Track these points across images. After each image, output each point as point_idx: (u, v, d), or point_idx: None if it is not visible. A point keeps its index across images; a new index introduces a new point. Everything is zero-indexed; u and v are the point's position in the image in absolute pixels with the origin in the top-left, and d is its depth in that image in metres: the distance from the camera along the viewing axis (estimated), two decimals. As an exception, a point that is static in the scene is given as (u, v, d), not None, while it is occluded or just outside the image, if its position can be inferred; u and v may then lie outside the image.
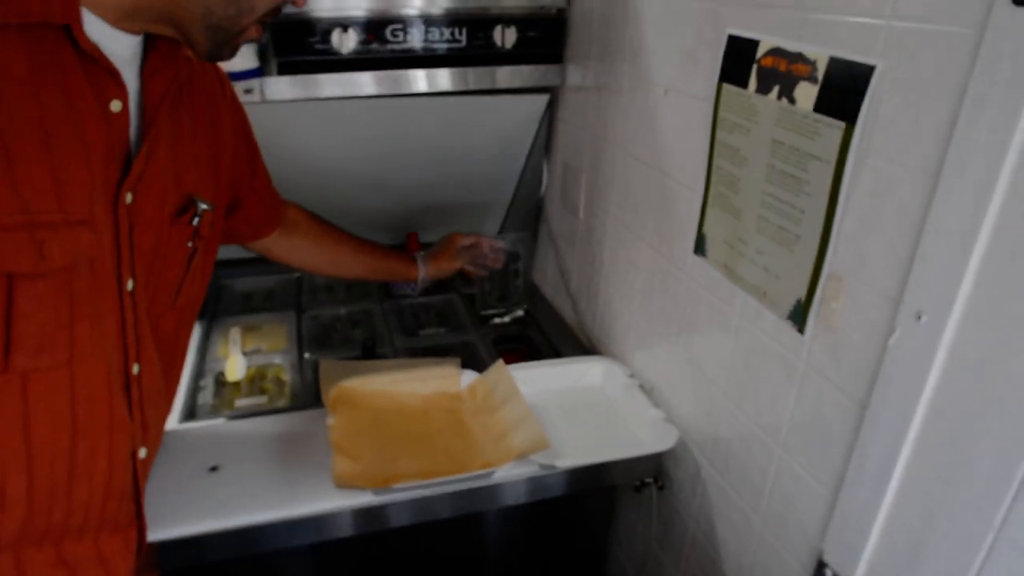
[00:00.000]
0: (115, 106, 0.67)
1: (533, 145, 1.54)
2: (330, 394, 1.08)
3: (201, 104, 0.84)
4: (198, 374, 1.29)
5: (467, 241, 1.29)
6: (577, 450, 1.06)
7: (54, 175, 0.63)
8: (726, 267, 0.95)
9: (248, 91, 1.20)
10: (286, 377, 1.30)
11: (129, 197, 0.71)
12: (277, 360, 1.35)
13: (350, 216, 1.62)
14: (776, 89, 0.81)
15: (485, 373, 1.17)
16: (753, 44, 0.84)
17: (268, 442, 1.06)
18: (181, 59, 0.77)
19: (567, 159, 1.43)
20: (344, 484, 0.90)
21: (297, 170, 1.46)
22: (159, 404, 0.84)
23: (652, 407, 1.14)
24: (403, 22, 1.23)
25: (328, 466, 0.96)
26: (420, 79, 1.29)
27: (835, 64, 0.72)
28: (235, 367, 1.29)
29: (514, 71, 1.33)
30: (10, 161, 0.60)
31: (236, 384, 1.28)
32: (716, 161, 0.94)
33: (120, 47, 0.67)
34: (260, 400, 1.24)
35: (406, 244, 1.63)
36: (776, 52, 0.80)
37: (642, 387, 1.19)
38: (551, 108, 1.45)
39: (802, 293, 0.81)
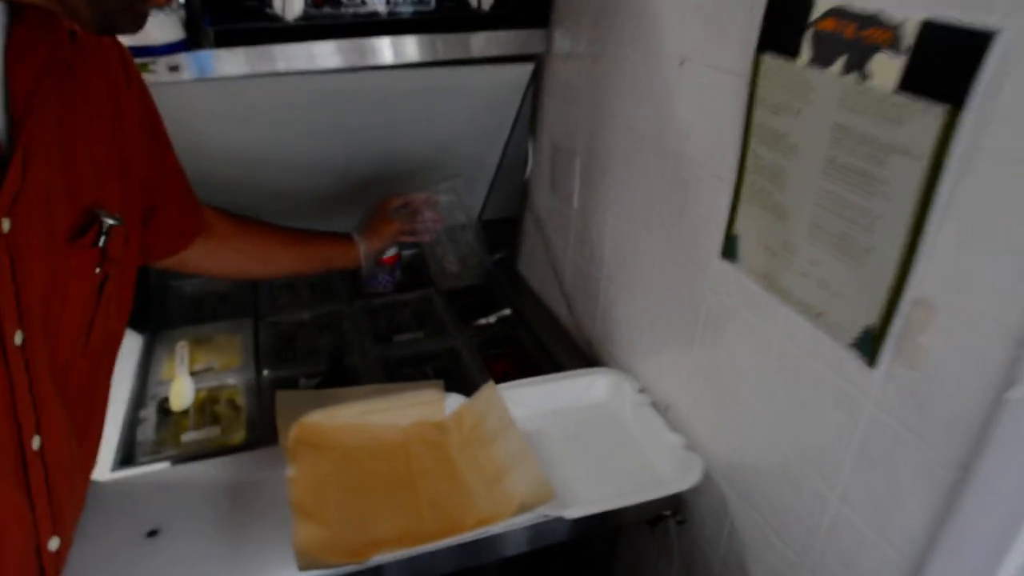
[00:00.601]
0: None
1: (516, 121, 1.35)
2: (289, 434, 0.91)
3: (96, 92, 0.65)
4: (138, 402, 1.11)
5: (398, 201, 1.19)
6: (587, 491, 0.91)
7: None
8: (765, 277, 0.79)
9: (173, 68, 1.00)
10: (241, 402, 1.12)
11: (6, 224, 0.53)
12: (231, 380, 1.17)
13: (305, 209, 1.44)
14: (841, 61, 0.63)
15: (473, 398, 1.00)
16: (806, 3, 0.66)
17: (220, 494, 0.89)
18: (61, 33, 0.58)
19: (556, 139, 1.25)
20: (309, 563, 0.73)
21: (236, 161, 1.27)
22: (74, 478, 0.67)
23: (669, 431, 0.98)
24: (360, -20, 1.02)
25: (289, 529, 0.79)
26: (381, 48, 1.09)
27: (931, 29, 0.55)
28: (182, 393, 1.11)
29: (491, 37, 1.14)
30: None
31: (184, 412, 1.10)
32: (753, 147, 0.76)
33: None
34: (212, 433, 1.06)
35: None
36: (839, 13, 0.63)
37: (655, 405, 1.04)
38: (535, 79, 1.26)
39: (873, 319, 0.65)
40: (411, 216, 1.20)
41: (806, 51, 0.67)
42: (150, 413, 1.09)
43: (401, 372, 1.22)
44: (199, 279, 1.47)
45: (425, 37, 1.10)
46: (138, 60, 0.87)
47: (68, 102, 0.61)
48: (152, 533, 0.84)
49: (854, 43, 0.61)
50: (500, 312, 1.35)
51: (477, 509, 0.85)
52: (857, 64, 0.61)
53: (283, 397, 0.96)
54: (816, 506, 0.76)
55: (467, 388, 1.11)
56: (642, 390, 1.06)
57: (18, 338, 0.56)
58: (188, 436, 1.05)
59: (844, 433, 0.71)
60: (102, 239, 0.64)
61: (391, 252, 1.44)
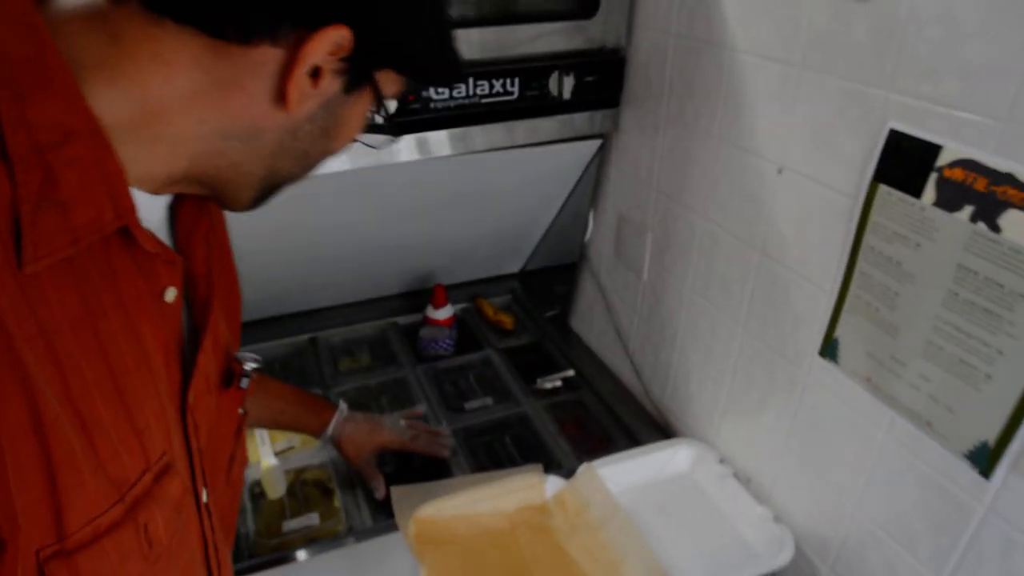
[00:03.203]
0: (170, 295, 0.51)
1: (574, 188, 1.39)
2: (409, 530, 0.95)
3: (219, 243, 0.67)
4: (229, 489, 1.12)
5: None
6: (688, 568, 0.96)
7: (133, 426, 0.47)
8: (869, 381, 0.84)
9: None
10: (332, 484, 1.15)
11: (192, 397, 0.56)
12: (315, 460, 1.19)
13: (363, 276, 1.47)
14: (968, 210, 0.69)
15: (572, 482, 1.04)
16: (932, 148, 0.71)
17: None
18: (210, 207, 0.60)
19: (623, 211, 1.29)
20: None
21: (309, 244, 1.30)
22: None
23: (756, 503, 1.04)
24: (449, 78, 1.05)
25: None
26: (464, 139, 1.11)
27: (1070, 201, 0.61)
28: (274, 480, 1.13)
29: (566, 120, 1.17)
30: (91, 439, 0.44)
31: (278, 500, 1.12)
32: (861, 266, 0.82)
33: (153, 215, 0.53)
34: (311, 520, 1.08)
35: (431, 297, 1.47)
36: (969, 165, 0.68)
37: (737, 476, 1.10)
38: (601, 152, 1.30)
39: (991, 436, 0.71)
40: (419, 433, 1.19)
41: (930, 192, 0.72)
42: (244, 501, 1.11)
43: (480, 442, 1.26)
44: (258, 344, 1.48)
45: (504, 125, 1.13)
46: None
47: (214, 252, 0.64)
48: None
49: (985, 196, 0.67)
50: (563, 373, 1.40)
51: (599, 600, 0.90)
52: (986, 216, 0.67)
53: (398, 493, 1.00)
54: (922, 592, 0.83)
55: (547, 458, 1.17)
56: (722, 461, 1.12)
57: (204, 496, 0.59)
58: (289, 525, 1.08)
59: (952, 531, 0.77)
60: (245, 381, 0.66)
61: (447, 313, 1.47)
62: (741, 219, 1.00)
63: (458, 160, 1.15)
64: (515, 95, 1.10)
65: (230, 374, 0.64)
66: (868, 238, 0.80)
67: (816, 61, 0.83)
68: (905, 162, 0.74)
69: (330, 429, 1.12)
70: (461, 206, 1.37)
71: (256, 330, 1.50)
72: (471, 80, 1.06)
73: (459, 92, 1.05)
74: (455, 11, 1.05)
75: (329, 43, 0.45)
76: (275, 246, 1.31)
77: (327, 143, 0.53)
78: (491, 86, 1.07)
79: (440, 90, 1.04)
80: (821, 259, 0.88)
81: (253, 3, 0.43)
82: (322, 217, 1.26)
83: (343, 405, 1.15)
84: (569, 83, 1.11)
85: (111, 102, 0.42)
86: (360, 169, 1.05)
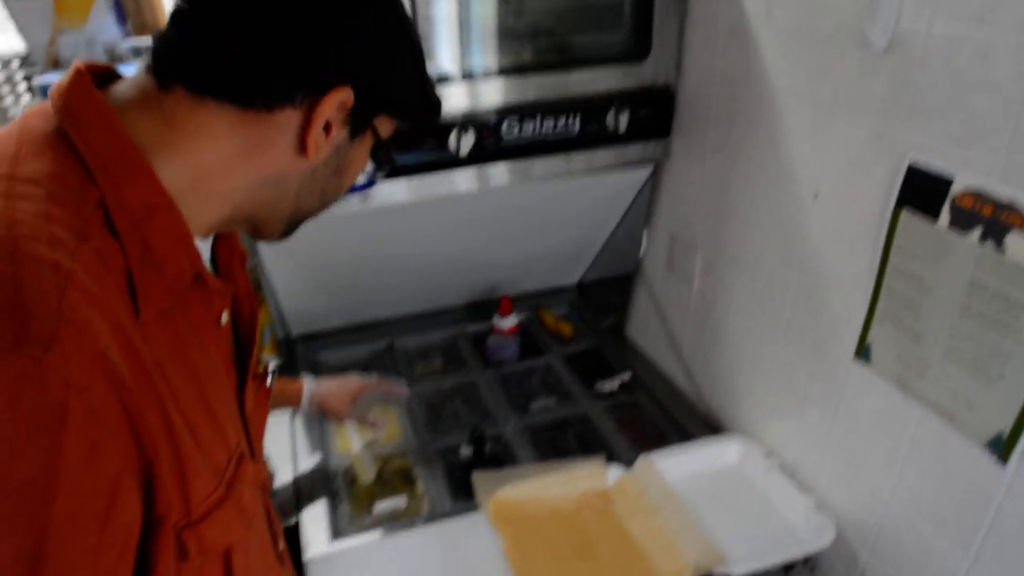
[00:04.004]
0: (224, 318, 0.63)
1: (628, 208, 1.53)
2: (489, 509, 1.10)
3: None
4: (327, 476, 1.29)
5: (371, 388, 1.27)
6: (736, 548, 1.08)
7: (218, 425, 0.60)
8: (898, 380, 0.96)
9: (364, 200, 1.18)
10: (416, 473, 1.30)
11: (248, 397, 0.70)
12: (400, 451, 1.35)
13: (435, 288, 1.63)
14: (978, 232, 0.80)
15: (632, 471, 1.18)
16: (945, 179, 0.83)
17: (436, 561, 1.07)
18: (235, 235, 0.73)
19: (674, 230, 1.42)
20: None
21: (388, 260, 1.47)
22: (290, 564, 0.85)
23: (800, 493, 1.15)
24: (520, 117, 1.20)
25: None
26: (523, 169, 1.26)
27: (1061, 226, 0.72)
28: (366, 468, 1.29)
29: (620, 150, 1.31)
30: (198, 439, 0.56)
31: (369, 485, 1.28)
32: (888, 281, 0.94)
33: (204, 255, 0.63)
34: (398, 503, 1.24)
35: (497, 307, 1.61)
36: (978, 194, 0.80)
37: (782, 468, 1.21)
38: (653, 177, 1.43)
39: (1005, 426, 0.82)
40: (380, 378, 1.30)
41: (945, 216, 0.84)
42: (340, 485, 1.28)
43: (545, 437, 1.40)
44: (340, 350, 1.66)
45: (563, 156, 1.27)
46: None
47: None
48: (392, 599, 1.02)
49: (991, 220, 0.78)
50: (620, 377, 1.53)
51: (655, 571, 1.02)
52: (994, 237, 0.78)
53: (479, 477, 1.15)
54: (947, 567, 0.93)
55: (607, 452, 1.29)
56: (769, 454, 1.24)
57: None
58: (379, 506, 1.23)
59: (976, 514, 0.88)
60: (271, 379, 0.79)
61: (512, 322, 1.62)
62: (780, 238, 1.12)
63: (521, 188, 1.30)
64: (576, 130, 1.24)
65: (264, 374, 0.78)
66: (893, 257, 0.92)
67: (844, 103, 0.95)
68: (923, 191, 0.86)
69: (305, 397, 1.22)
70: (524, 227, 1.52)
71: (340, 337, 1.68)
72: (539, 117, 1.21)
73: (528, 129, 1.20)
74: (530, 58, 1.20)
75: (337, 102, 0.55)
76: (358, 262, 1.48)
77: (339, 180, 0.64)
78: (555, 123, 1.22)
79: (512, 127, 1.20)
80: (853, 273, 0.99)
81: (273, 76, 0.53)
82: (400, 237, 1.43)
83: (308, 376, 1.25)
84: (624, 118, 1.25)
85: (173, 174, 0.53)
86: (431, 197, 1.21)
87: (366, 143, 0.63)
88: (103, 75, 0.56)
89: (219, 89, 0.53)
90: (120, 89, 0.55)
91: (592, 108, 1.23)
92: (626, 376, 1.53)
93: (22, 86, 1.54)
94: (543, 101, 1.21)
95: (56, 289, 0.44)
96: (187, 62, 0.53)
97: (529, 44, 1.21)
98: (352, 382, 1.27)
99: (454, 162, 1.20)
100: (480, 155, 1.20)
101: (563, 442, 1.39)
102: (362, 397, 1.26)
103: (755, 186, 1.16)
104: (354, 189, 1.15)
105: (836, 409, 1.08)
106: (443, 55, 1.14)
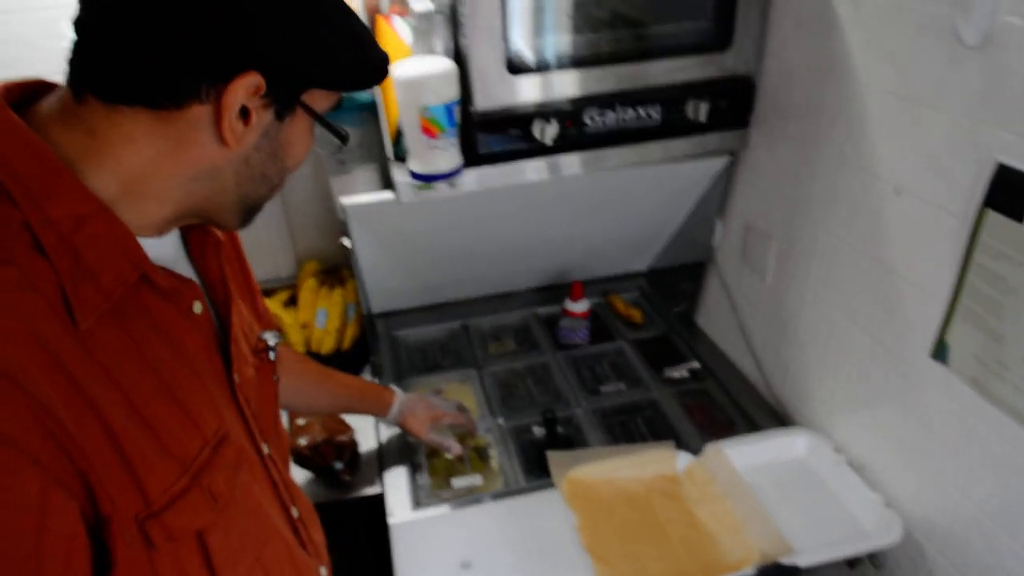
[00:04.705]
0: (197, 308, 0.65)
1: (703, 196, 1.54)
2: (563, 487, 1.15)
3: (237, 254, 0.84)
4: (409, 448, 1.37)
5: (447, 420, 1.31)
6: (802, 540, 1.10)
7: (189, 416, 0.62)
8: (975, 381, 0.95)
9: (452, 186, 1.24)
10: (491, 451, 1.37)
11: (237, 377, 0.71)
12: (478, 431, 1.42)
13: (508, 271, 1.69)
14: (1067, 236, 0.79)
15: (700, 458, 1.21)
16: (1034, 181, 0.82)
17: (510, 533, 1.13)
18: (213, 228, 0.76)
19: (749, 220, 1.42)
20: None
21: (464, 244, 1.52)
22: (315, 523, 0.89)
23: (868, 489, 1.16)
24: (600, 107, 1.22)
25: (581, 567, 1.04)
26: (610, 157, 1.29)
27: None
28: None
29: (699, 140, 1.32)
30: (157, 434, 0.59)
31: (448, 461, 1.35)
32: (971, 280, 0.93)
33: (166, 250, 0.65)
34: (475, 479, 1.31)
35: (569, 291, 1.65)
36: (1068, 198, 0.79)
37: (850, 464, 1.21)
38: (730, 167, 1.44)
39: (1086, 434, 0.81)
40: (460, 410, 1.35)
41: (1032, 219, 0.83)
42: (421, 459, 1.35)
43: (616, 421, 1.44)
44: (418, 328, 1.74)
45: (643, 145, 1.29)
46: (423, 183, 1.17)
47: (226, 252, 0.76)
48: (466, 565, 1.09)
49: (1081, 225, 0.77)
50: (690, 364, 1.55)
51: (723, 555, 1.06)
52: (1083, 242, 0.77)
53: (553, 457, 1.21)
54: (1018, 573, 0.93)
55: (675, 438, 1.32)
56: (837, 449, 1.24)
57: (266, 449, 0.75)
58: (457, 482, 1.31)
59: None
60: (272, 353, 0.81)
61: (584, 307, 1.66)
62: (859, 232, 1.12)
63: (597, 176, 1.33)
64: (658, 119, 1.26)
65: (259, 348, 0.80)
66: (977, 256, 0.91)
67: (931, 98, 0.94)
68: (1011, 191, 0.85)
69: (394, 409, 1.27)
70: (597, 213, 1.55)
71: (417, 316, 1.76)
72: (618, 106, 1.23)
73: (610, 118, 1.23)
74: (605, 48, 1.22)
75: (244, 88, 0.55)
76: (437, 244, 1.55)
77: (281, 162, 0.64)
78: (637, 112, 1.24)
79: (594, 117, 1.23)
80: (933, 271, 0.99)
81: (172, 75, 0.54)
82: (476, 222, 1.48)
83: (399, 390, 1.31)
84: (704, 108, 1.26)
85: (103, 182, 0.55)
86: (508, 186, 1.25)
87: (301, 121, 0.63)
88: (33, 90, 0.58)
89: (126, 95, 0.54)
90: (47, 103, 0.57)
91: (673, 98, 1.25)
92: (695, 364, 1.55)
93: None
94: (624, 91, 1.23)
95: None
96: (92, 72, 0.54)
97: (609, 33, 1.23)
98: (434, 408, 1.31)
99: (541, 150, 1.24)
100: (564, 144, 1.24)
101: (632, 426, 1.43)
102: (440, 422, 1.32)
103: (835, 179, 1.16)
104: (441, 176, 1.21)
105: (908, 407, 1.08)
106: (521, 45, 1.17)
